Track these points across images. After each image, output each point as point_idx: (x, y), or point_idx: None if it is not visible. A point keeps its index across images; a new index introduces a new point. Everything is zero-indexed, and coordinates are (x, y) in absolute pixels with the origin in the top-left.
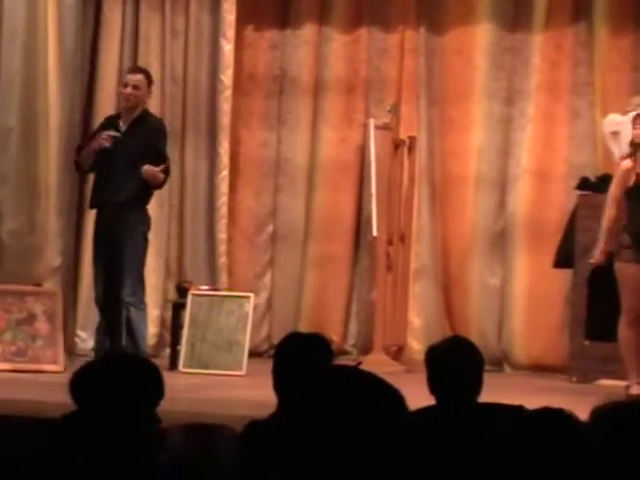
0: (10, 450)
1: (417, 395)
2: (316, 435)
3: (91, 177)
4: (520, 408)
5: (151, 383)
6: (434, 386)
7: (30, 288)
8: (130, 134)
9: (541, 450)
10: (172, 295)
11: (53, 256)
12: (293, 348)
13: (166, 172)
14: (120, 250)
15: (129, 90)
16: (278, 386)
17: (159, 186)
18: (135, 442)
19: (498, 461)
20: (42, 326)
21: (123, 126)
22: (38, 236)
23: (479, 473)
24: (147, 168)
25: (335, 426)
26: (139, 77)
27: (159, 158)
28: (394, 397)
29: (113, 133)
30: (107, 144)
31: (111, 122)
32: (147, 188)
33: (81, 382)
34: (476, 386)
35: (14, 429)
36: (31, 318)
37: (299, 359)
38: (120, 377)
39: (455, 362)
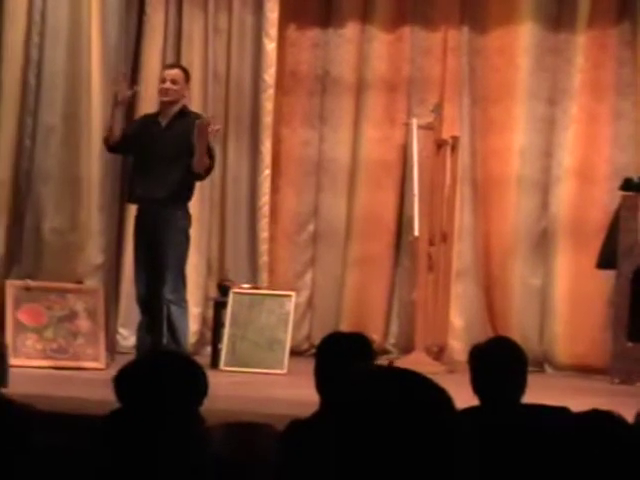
0: (52, 447)
1: (459, 396)
2: (360, 435)
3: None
4: (565, 409)
5: (195, 382)
6: (478, 386)
7: (72, 285)
8: (170, 129)
9: (590, 452)
10: (213, 293)
11: (95, 253)
12: (335, 348)
13: (211, 167)
14: (161, 247)
15: (167, 84)
16: (320, 386)
17: (202, 173)
18: (179, 441)
19: (546, 462)
20: (83, 323)
21: (163, 122)
22: (80, 233)
23: (526, 474)
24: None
25: (381, 426)
26: (176, 71)
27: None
28: (442, 397)
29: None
30: (127, 91)
31: (150, 119)
32: (188, 184)
33: (126, 380)
34: (520, 386)
35: (56, 426)
36: (73, 315)
37: (341, 359)
38: (166, 376)
39: (499, 362)
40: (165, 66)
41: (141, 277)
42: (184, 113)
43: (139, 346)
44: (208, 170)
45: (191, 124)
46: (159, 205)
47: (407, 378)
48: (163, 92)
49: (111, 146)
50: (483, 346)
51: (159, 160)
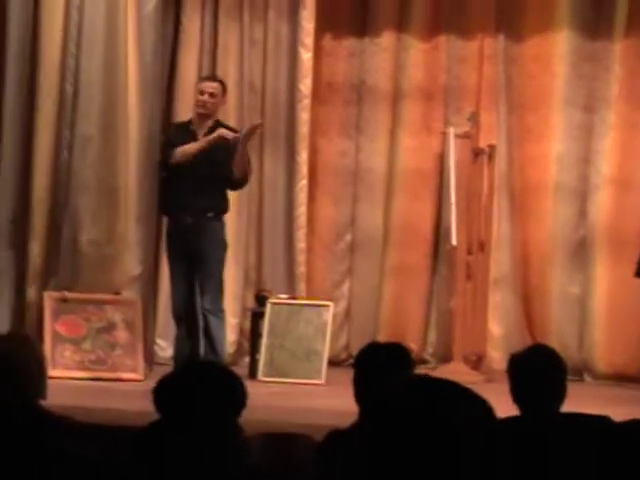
0: (90, 458)
1: (499, 405)
2: (399, 446)
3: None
4: (606, 418)
5: (234, 393)
6: (517, 395)
7: (110, 297)
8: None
9: (631, 461)
10: (251, 304)
11: (132, 265)
12: (373, 358)
13: (248, 175)
14: (201, 258)
15: (205, 97)
16: (359, 396)
17: (239, 180)
18: (218, 452)
19: (586, 472)
20: (121, 334)
21: (199, 133)
22: (117, 245)
23: None
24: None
25: (420, 437)
26: (215, 85)
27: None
28: (482, 407)
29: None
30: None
31: (184, 128)
32: (227, 195)
33: (165, 391)
34: (560, 395)
35: (94, 437)
36: (110, 327)
37: (380, 369)
38: (204, 387)
39: (538, 370)
40: (203, 78)
41: (179, 288)
42: (219, 126)
43: (177, 357)
44: (245, 177)
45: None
46: (198, 217)
47: (447, 388)
48: (201, 104)
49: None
50: (522, 354)
51: (197, 172)
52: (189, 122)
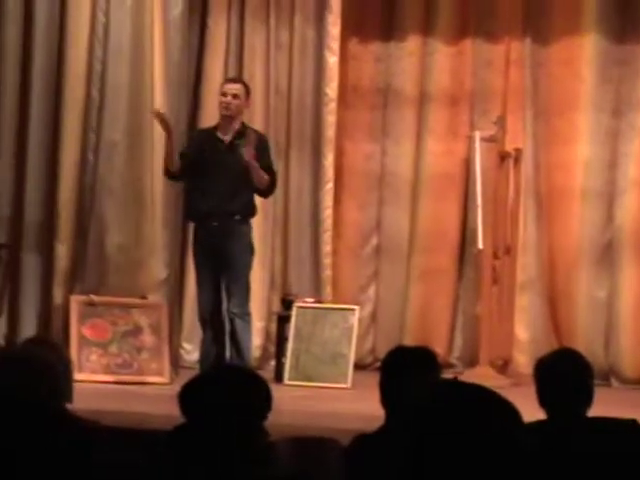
0: (117, 462)
1: (525, 409)
2: (427, 449)
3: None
4: (634, 422)
5: (260, 396)
6: (543, 399)
7: (136, 301)
8: (233, 146)
9: None
10: (277, 307)
11: (159, 268)
12: (400, 361)
13: (273, 184)
14: (228, 261)
15: (228, 99)
16: (385, 400)
17: (264, 190)
18: (244, 455)
19: (614, 476)
20: (148, 338)
21: (224, 137)
22: (144, 249)
23: None
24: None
25: (447, 441)
26: (238, 86)
27: (266, 171)
28: (509, 410)
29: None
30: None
31: (208, 133)
32: (253, 199)
33: (190, 395)
34: (587, 399)
35: (120, 441)
36: (137, 330)
37: (406, 372)
38: (230, 390)
39: (564, 374)
40: (227, 80)
41: (205, 292)
42: (243, 129)
43: (203, 361)
44: (270, 185)
45: (252, 141)
46: (227, 220)
47: (474, 392)
48: (224, 106)
49: (174, 174)
50: (548, 358)
51: (224, 177)
52: (215, 127)
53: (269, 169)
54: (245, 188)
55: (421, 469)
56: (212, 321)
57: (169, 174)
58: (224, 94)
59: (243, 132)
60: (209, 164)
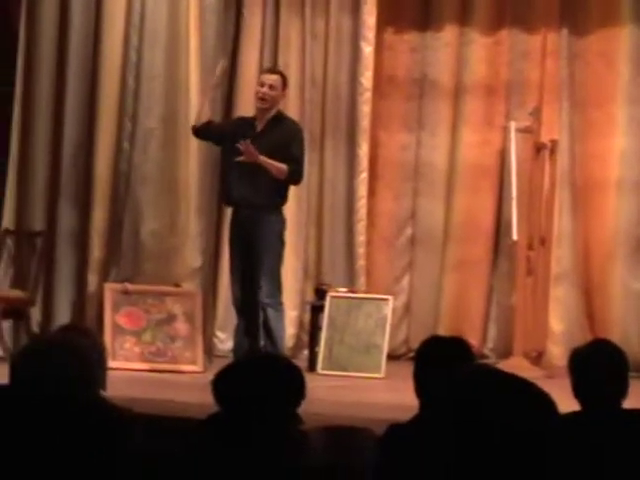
0: (151, 450)
1: (559, 401)
2: (461, 440)
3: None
4: None
5: (293, 384)
6: (578, 390)
7: (170, 289)
8: (265, 134)
9: None
10: (310, 297)
11: (193, 257)
12: (435, 351)
13: (294, 174)
14: (257, 251)
15: (265, 89)
16: (419, 389)
17: (286, 180)
18: (277, 442)
19: None
20: (181, 327)
21: (258, 126)
22: (178, 237)
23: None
24: (244, 144)
25: (482, 431)
26: (275, 77)
27: (291, 160)
28: (545, 400)
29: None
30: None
31: (246, 121)
32: (282, 188)
33: (224, 383)
34: (622, 390)
35: (154, 429)
36: (171, 319)
37: (441, 362)
38: (264, 378)
39: (600, 365)
40: (264, 70)
41: (237, 280)
42: (280, 118)
43: (236, 349)
44: (293, 175)
45: (286, 129)
46: (255, 209)
47: (509, 381)
48: (260, 97)
49: (197, 128)
50: (583, 349)
51: (253, 165)
52: (253, 118)
53: (292, 159)
54: (274, 177)
55: (455, 458)
56: (244, 310)
57: (192, 128)
58: (261, 84)
59: (278, 120)
60: (241, 151)
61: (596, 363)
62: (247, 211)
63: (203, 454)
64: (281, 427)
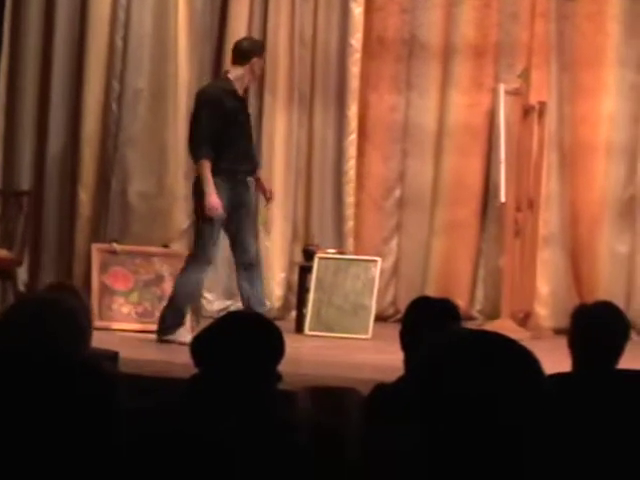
0: (136, 409)
1: (545, 362)
2: (447, 399)
3: None
4: None
5: (270, 341)
6: (576, 347)
7: (157, 249)
8: (246, 106)
9: None
10: (299, 258)
11: (181, 218)
12: (422, 311)
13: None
14: (247, 215)
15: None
16: (405, 349)
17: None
18: (259, 401)
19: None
20: (169, 287)
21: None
22: (166, 198)
23: (621, 438)
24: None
25: (468, 390)
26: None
27: None
28: (530, 360)
29: None
30: None
31: (229, 92)
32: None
33: (201, 345)
34: (616, 356)
35: (140, 389)
36: (158, 279)
37: (428, 322)
38: (240, 337)
39: (604, 326)
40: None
41: (217, 243)
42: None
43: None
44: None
45: None
46: (249, 176)
47: (493, 340)
48: (258, 77)
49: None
50: (589, 308)
51: (245, 133)
52: (233, 90)
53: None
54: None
55: (440, 418)
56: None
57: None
58: (262, 68)
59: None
60: (235, 122)
61: (601, 322)
62: (242, 177)
63: (187, 415)
64: (260, 385)
